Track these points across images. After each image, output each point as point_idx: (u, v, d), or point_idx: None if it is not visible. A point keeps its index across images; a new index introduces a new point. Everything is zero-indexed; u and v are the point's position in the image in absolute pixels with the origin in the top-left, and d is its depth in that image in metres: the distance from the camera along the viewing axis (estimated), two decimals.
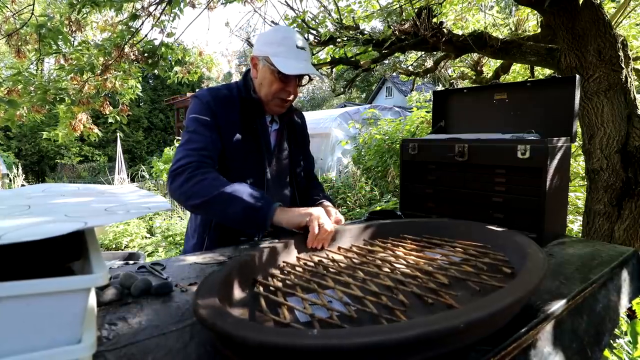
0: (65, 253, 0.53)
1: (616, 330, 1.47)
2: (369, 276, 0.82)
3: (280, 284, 0.80)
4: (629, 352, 1.36)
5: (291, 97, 1.25)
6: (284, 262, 0.93)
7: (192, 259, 1.05)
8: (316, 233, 0.98)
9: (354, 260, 0.95)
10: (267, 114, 1.32)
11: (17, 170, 7.73)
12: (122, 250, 4.69)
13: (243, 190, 1.08)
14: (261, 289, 0.77)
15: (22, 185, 7.15)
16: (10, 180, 7.74)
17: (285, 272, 0.88)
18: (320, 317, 0.63)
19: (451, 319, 0.51)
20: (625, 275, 1.02)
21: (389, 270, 0.86)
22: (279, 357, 0.50)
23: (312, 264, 0.94)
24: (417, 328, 0.49)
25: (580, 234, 2.27)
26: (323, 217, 1.02)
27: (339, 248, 1.05)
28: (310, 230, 0.99)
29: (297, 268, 0.90)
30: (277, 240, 0.99)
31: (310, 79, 1.29)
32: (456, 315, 0.52)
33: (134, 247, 4.87)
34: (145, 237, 5.18)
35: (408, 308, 0.68)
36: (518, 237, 0.92)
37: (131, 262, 1.15)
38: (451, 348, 0.53)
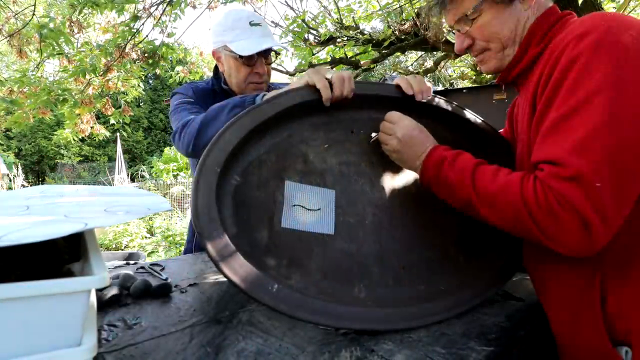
0: (64, 254, 0.53)
1: None
2: (375, 207, 0.80)
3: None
4: None
5: (264, 78, 1.20)
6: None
7: (191, 259, 1.05)
8: (327, 84, 0.78)
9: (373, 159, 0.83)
10: None
11: (17, 170, 7.73)
12: (122, 250, 4.69)
13: (221, 104, 0.99)
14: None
15: (23, 186, 7.15)
16: (10, 180, 7.74)
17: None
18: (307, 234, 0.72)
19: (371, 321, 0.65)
20: None
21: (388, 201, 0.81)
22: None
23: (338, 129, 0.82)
24: (347, 321, 0.64)
25: None
26: (327, 70, 0.82)
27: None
28: (319, 85, 0.78)
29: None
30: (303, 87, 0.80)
31: (277, 54, 1.23)
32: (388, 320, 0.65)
33: (134, 247, 4.88)
34: (145, 237, 5.18)
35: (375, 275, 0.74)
36: None
37: (131, 262, 1.15)
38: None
